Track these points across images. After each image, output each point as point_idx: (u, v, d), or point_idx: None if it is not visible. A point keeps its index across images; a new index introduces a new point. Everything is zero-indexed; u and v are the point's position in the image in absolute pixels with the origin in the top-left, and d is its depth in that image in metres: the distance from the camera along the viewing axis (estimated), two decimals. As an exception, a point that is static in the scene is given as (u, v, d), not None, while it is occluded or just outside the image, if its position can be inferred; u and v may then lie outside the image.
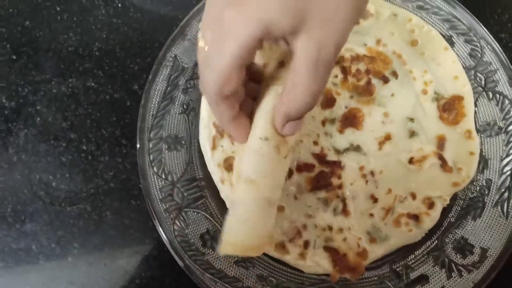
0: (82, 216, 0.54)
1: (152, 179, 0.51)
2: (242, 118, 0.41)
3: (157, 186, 0.51)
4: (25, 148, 0.55)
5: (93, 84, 0.57)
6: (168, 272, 0.52)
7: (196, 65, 0.55)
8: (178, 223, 0.51)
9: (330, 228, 0.52)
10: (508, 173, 0.53)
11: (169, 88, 0.54)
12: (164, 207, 0.51)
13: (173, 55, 0.54)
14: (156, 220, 0.50)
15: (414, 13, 0.57)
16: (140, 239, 0.53)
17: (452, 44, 0.56)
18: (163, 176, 0.52)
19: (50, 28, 0.58)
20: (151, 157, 0.52)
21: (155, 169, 0.52)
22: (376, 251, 0.52)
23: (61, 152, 0.55)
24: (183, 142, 0.53)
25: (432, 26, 0.57)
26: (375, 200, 0.53)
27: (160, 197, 0.51)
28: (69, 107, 0.56)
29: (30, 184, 0.54)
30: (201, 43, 0.38)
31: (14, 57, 0.58)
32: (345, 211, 0.52)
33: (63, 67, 0.57)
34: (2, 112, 0.56)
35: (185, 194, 0.52)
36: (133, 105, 0.56)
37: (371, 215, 0.52)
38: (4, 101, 0.56)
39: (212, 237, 0.51)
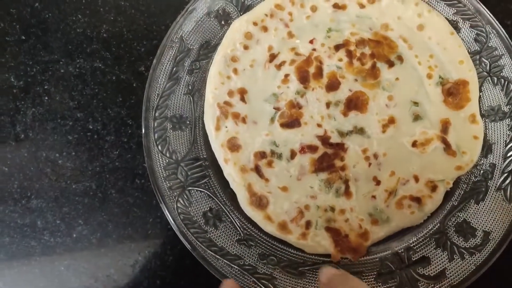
0: (87, 194, 0.55)
1: (157, 157, 0.52)
2: None
3: (161, 164, 0.52)
4: (32, 126, 0.56)
5: (100, 65, 0.58)
6: (170, 250, 0.53)
7: (201, 46, 0.56)
8: (181, 201, 0.51)
9: (332, 209, 0.52)
10: (513, 156, 0.52)
11: (174, 69, 0.55)
12: (168, 185, 0.52)
13: (179, 36, 0.55)
14: (160, 198, 0.51)
15: None
16: (144, 217, 0.54)
17: (457, 29, 0.56)
18: (168, 155, 0.52)
19: (59, 9, 0.59)
20: (156, 135, 0.52)
21: (159, 147, 0.52)
22: (378, 233, 0.52)
23: (68, 130, 0.56)
24: (188, 122, 0.54)
25: (438, 11, 0.56)
26: (377, 182, 0.53)
27: (164, 175, 0.52)
28: (76, 87, 0.57)
29: (37, 162, 0.55)
30: None
31: (23, 37, 0.59)
32: (347, 193, 0.53)
33: (71, 48, 0.58)
34: (11, 90, 0.57)
35: (189, 173, 0.53)
36: (139, 86, 0.57)
37: (373, 197, 0.53)
38: (12, 80, 0.57)
39: (214, 215, 0.52)
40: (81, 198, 0.54)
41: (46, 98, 0.57)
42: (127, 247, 0.54)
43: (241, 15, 0.57)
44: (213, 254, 0.50)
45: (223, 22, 0.56)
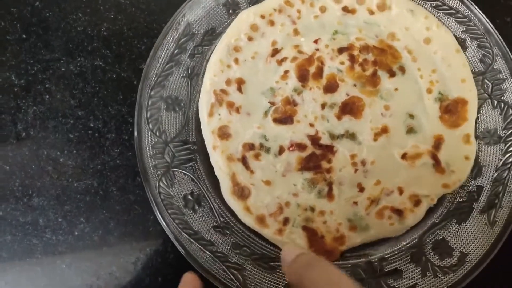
0: (89, 192, 0.55)
1: (146, 135, 0.53)
2: None
3: (150, 142, 0.53)
4: (33, 125, 0.56)
5: (101, 63, 0.58)
6: (172, 247, 0.53)
7: (206, 32, 0.56)
8: (164, 181, 0.52)
9: (312, 209, 0.53)
10: (502, 182, 0.52)
11: (176, 51, 0.55)
12: (153, 163, 0.52)
13: (185, 20, 0.55)
14: (143, 175, 0.52)
15: (430, 12, 0.57)
16: (145, 215, 0.55)
17: (464, 47, 0.56)
18: (157, 134, 0.53)
19: (60, 8, 0.59)
20: (149, 114, 0.53)
21: (150, 125, 0.53)
22: (354, 239, 0.52)
23: (69, 129, 0.56)
24: (182, 104, 0.54)
25: (447, 27, 0.56)
26: (361, 189, 0.53)
27: (151, 153, 0.53)
28: (77, 85, 0.57)
29: (38, 160, 0.56)
30: None
31: (24, 36, 0.58)
32: (329, 195, 0.53)
33: (72, 46, 0.58)
34: (12, 89, 0.57)
35: (176, 155, 0.53)
36: (139, 84, 0.57)
37: (355, 203, 0.53)
38: (13, 78, 0.57)
39: (195, 199, 0.53)
40: (83, 196, 0.55)
41: (47, 96, 0.57)
42: (129, 244, 0.54)
43: (250, 6, 0.56)
44: (187, 237, 0.51)
45: (231, 11, 0.56)
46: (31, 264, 0.54)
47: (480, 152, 0.54)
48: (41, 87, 0.57)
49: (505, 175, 0.53)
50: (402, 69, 0.56)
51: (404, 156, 0.53)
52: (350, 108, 0.55)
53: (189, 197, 0.52)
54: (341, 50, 0.56)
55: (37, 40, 0.58)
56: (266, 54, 0.56)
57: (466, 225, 0.52)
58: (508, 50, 0.55)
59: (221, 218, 0.52)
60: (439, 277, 0.50)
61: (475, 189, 0.53)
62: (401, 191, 0.53)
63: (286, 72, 0.56)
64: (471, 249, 0.51)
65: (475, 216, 0.52)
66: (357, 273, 0.51)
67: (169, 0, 0.59)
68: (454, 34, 0.56)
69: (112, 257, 0.54)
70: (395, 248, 0.52)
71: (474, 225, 0.52)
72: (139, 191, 0.55)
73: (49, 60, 0.58)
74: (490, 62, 0.55)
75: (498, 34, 0.55)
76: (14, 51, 0.58)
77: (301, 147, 0.54)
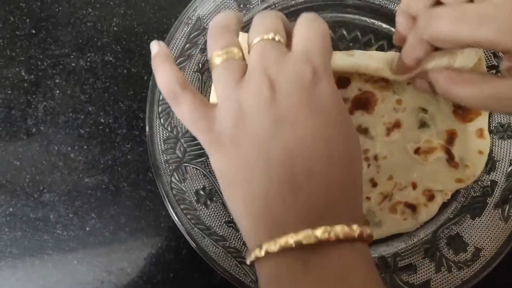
0: (100, 187, 0.55)
1: (158, 130, 0.52)
2: None
3: (161, 137, 0.52)
4: (44, 120, 0.56)
5: (111, 59, 0.58)
6: (184, 243, 0.53)
7: None
8: (176, 176, 0.52)
9: None
10: (515, 177, 0.52)
11: (187, 46, 0.54)
12: (165, 158, 0.52)
13: (196, 14, 0.54)
14: (155, 170, 0.51)
15: None
16: (157, 210, 0.55)
17: None
18: (169, 129, 0.53)
19: (69, 3, 0.59)
20: (160, 108, 0.53)
21: (161, 120, 0.52)
22: None
23: (79, 124, 0.56)
24: None
25: None
26: (374, 184, 0.53)
27: (162, 148, 0.52)
28: (88, 80, 0.57)
29: (49, 156, 0.55)
30: None
31: (34, 31, 0.58)
32: None
33: (82, 41, 0.58)
34: (22, 84, 0.57)
35: (187, 150, 0.53)
36: (149, 80, 0.56)
37: (368, 198, 0.52)
38: (23, 74, 0.57)
39: (207, 194, 0.52)
40: (94, 191, 0.55)
41: (58, 92, 0.57)
42: (140, 240, 0.54)
43: (261, 0, 0.56)
44: (199, 232, 0.50)
45: (241, 5, 0.55)
46: (42, 260, 0.53)
47: (493, 147, 0.53)
48: (51, 82, 0.57)
49: (519, 169, 0.52)
50: (417, 63, 0.55)
51: (417, 151, 0.53)
52: (362, 103, 0.54)
53: (201, 192, 0.52)
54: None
55: (47, 35, 0.58)
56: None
57: (480, 220, 0.52)
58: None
59: (233, 213, 0.52)
60: (454, 272, 0.50)
61: (489, 184, 0.52)
62: (414, 186, 0.52)
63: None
64: (486, 244, 0.51)
65: (489, 211, 0.52)
66: (371, 268, 0.51)
67: (179, -5, 0.59)
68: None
69: (123, 253, 0.54)
70: (409, 244, 0.52)
71: (488, 220, 0.51)
72: (151, 187, 0.55)
73: (59, 55, 0.57)
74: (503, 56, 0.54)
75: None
76: (24, 46, 0.58)
77: (313, 142, 0.53)
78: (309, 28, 0.38)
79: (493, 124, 0.54)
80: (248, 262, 0.35)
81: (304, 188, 0.34)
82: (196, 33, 0.55)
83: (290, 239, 0.32)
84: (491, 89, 0.40)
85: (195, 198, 0.52)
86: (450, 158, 0.53)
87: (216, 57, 0.38)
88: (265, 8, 0.56)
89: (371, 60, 0.50)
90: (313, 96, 0.35)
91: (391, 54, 0.50)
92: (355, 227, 0.33)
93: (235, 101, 0.36)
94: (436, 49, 0.44)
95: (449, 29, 0.38)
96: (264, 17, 0.39)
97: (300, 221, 0.33)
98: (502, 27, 0.36)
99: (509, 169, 0.53)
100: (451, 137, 0.53)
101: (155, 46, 0.42)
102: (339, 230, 0.32)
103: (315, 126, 0.35)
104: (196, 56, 0.54)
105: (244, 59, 0.39)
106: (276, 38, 0.37)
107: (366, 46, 0.56)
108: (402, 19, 0.45)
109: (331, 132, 0.35)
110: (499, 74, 0.50)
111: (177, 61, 0.54)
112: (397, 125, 0.54)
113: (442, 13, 0.39)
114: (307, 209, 0.33)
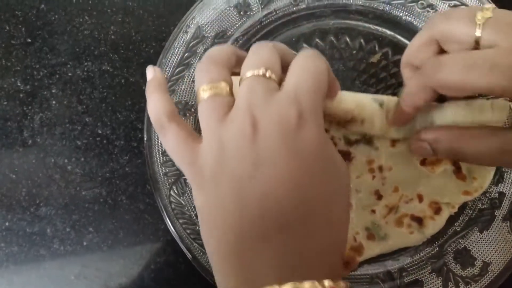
0: (97, 200, 0.53)
1: (156, 142, 0.51)
2: None
3: (160, 149, 0.51)
4: (40, 132, 0.55)
5: (108, 68, 0.56)
6: (183, 258, 0.51)
7: (217, 35, 0.54)
8: (174, 189, 0.50)
9: None
10: (524, 188, 0.50)
11: (186, 54, 0.53)
12: (164, 171, 0.50)
13: (195, 22, 0.53)
14: (153, 183, 0.50)
15: None
16: (155, 224, 0.53)
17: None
18: None
19: (66, 11, 0.58)
20: None
21: None
22: (373, 249, 0.50)
23: (76, 135, 0.55)
24: (193, 110, 0.52)
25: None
26: (379, 196, 0.51)
27: (161, 160, 0.51)
28: (85, 90, 0.56)
29: (45, 168, 0.54)
30: None
31: (29, 40, 0.57)
32: None
33: (79, 50, 0.57)
34: (17, 95, 0.56)
35: None
36: (148, 89, 0.55)
37: (373, 211, 0.50)
38: (19, 84, 0.56)
39: None
40: (91, 204, 0.53)
41: (54, 102, 0.55)
42: (139, 254, 0.53)
43: (261, 8, 0.55)
44: (199, 247, 0.49)
45: (242, 13, 0.54)
46: (38, 275, 0.52)
47: (502, 158, 0.52)
48: (47, 92, 0.56)
49: (527, 181, 0.51)
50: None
51: (423, 162, 0.50)
52: (366, 112, 0.53)
53: (200, 206, 0.51)
54: None
55: (43, 44, 0.57)
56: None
57: (488, 233, 0.50)
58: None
59: (232, 228, 0.51)
60: (461, 288, 0.49)
61: (497, 196, 0.51)
62: (420, 199, 0.50)
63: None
64: (494, 258, 0.49)
65: (498, 224, 0.50)
66: (376, 284, 0.49)
67: (178, 3, 0.58)
68: (473, 34, 0.54)
69: (121, 268, 0.52)
70: (415, 258, 0.50)
71: (496, 233, 0.50)
72: (149, 200, 0.53)
73: (55, 65, 0.56)
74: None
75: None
76: (19, 55, 0.57)
77: (316, 155, 0.52)
78: (303, 67, 0.36)
79: (501, 134, 0.52)
80: None
81: (274, 239, 0.32)
82: (195, 41, 0.53)
83: None
84: (501, 143, 0.39)
85: (195, 212, 0.50)
86: (458, 169, 0.50)
87: (202, 92, 0.36)
88: (266, 16, 0.55)
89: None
90: (295, 140, 0.34)
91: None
92: (326, 283, 0.31)
93: (218, 138, 0.35)
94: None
95: (458, 77, 0.37)
96: (259, 50, 0.38)
97: (269, 274, 0.31)
98: None
99: (518, 181, 0.51)
100: None
101: (150, 72, 0.41)
102: (307, 287, 0.30)
103: (293, 174, 0.33)
104: (195, 65, 0.53)
105: (232, 94, 0.37)
106: (267, 75, 0.35)
107: (370, 53, 0.55)
108: (408, 71, 0.44)
109: (311, 181, 0.33)
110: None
111: (176, 70, 0.53)
112: None
113: (450, 61, 0.38)
114: (276, 263, 0.32)
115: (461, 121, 0.45)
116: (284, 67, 0.37)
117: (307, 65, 0.36)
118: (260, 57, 0.37)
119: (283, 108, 0.34)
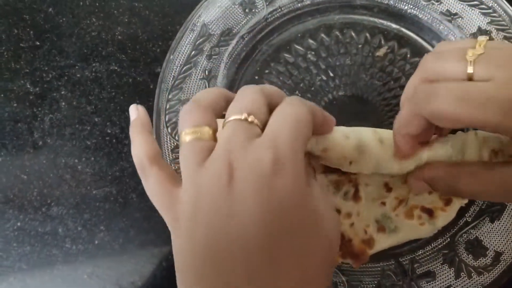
0: (108, 199, 0.54)
1: (165, 140, 0.51)
2: None
3: (169, 147, 0.51)
4: (50, 133, 0.55)
5: (116, 68, 0.57)
6: (195, 254, 0.51)
7: (223, 33, 0.54)
8: None
9: (338, 211, 0.50)
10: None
11: (193, 53, 0.53)
12: (173, 168, 0.51)
13: (201, 21, 0.53)
14: None
15: (453, 5, 0.54)
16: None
17: (490, 40, 0.52)
18: (177, 138, 0.51)
19: (73, 13, 0.58)
20: (167, 117, 0.52)
21: (169, 129, 0.51)
22: (384, 241, 0.49)
23: (86, 136, 0.55)
24: None
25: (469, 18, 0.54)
26: (389, 189, 0.50)
27: (170, 158, 0.51)
28: (93, 91, 0.56)
29: (56, 168, 0.55)
30: None
31: (38, 43, 0.58)
32: (356, 197, 0.49)
33: (86, 51, 0.57)
34: (27, 97, 0.56)
35: None
36: (156, 88, 0.56)
37: (383, 203, 0.50)
38: (28, 86, 0.57)
39: None
40: (102, 203, 0.54)
41: (63, 103, 0.56)
42: (150, 253, 0.53)
43: (266, 5, 0.55)
44: None
45: (247, 10, 0.55)
46: (51, 275, 0.53)
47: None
48: (56, 94, 0.56)
49: (537, 169, 0.50)
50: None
51: None
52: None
53: (210, 202, 0.51)
54: None
55: (51, 46, 0.58)
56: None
57: (499, 223, 0.49)
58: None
59: (241, 224, 0.51)
60: (474, 278, 0.48)
61: (508, 185, 0.51)
62: (430, 190, 0.51)
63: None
64: (506, 247, 0.48)
65: (509, 213, 0.49)
66: (388, 277, 0.49)
67: (183, 2, 0.58)
68: (479, 26, 0.54)
69: (133, 266, 0.53)
70: (427, 249, 0.50)
71: (508, 222, 0.49)
72: (159, 197, 0.54)
73: (64, 67, 0.57)
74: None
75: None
76: (28, 58, 0.57)
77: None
78: (284, 112, 0.35)
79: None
80: None
81: None
82: (201, 39, 0.54)
83: None
84: (500, 180, 0.38)
85: (204, 208, 0.50)
86: None
87: (184, 135, 0.35)
88: (271, 12, 0.55)
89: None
90: (270, 188, 0.32)
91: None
92: None
93: (195, 184, 0.33)
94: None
95: (451, 109, 0.35)
96: (245, 94, 0.36)
97: None
98: (507, 110, 0.33)
99: (528, 169, 0.51)
100: None
101: (133, 112, 0.41)
102: None
103: (264, 227, 0.31)
104: (202, 63, 0.54)
105: (215, 138, 0.36)
106: (249, 119, 0.34)
107: (375, 47, 0.55)
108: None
109: (280, 237, 0.32)
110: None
111: (183, 68, 0.53)
112: None
113: (443, 90, 0.36)
114: None
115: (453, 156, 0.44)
116: (273, 111, 0.36)
117: (287, 111, 0.35)
118: (245, 101, 0.36)
119: (258, 153, 0.33)
